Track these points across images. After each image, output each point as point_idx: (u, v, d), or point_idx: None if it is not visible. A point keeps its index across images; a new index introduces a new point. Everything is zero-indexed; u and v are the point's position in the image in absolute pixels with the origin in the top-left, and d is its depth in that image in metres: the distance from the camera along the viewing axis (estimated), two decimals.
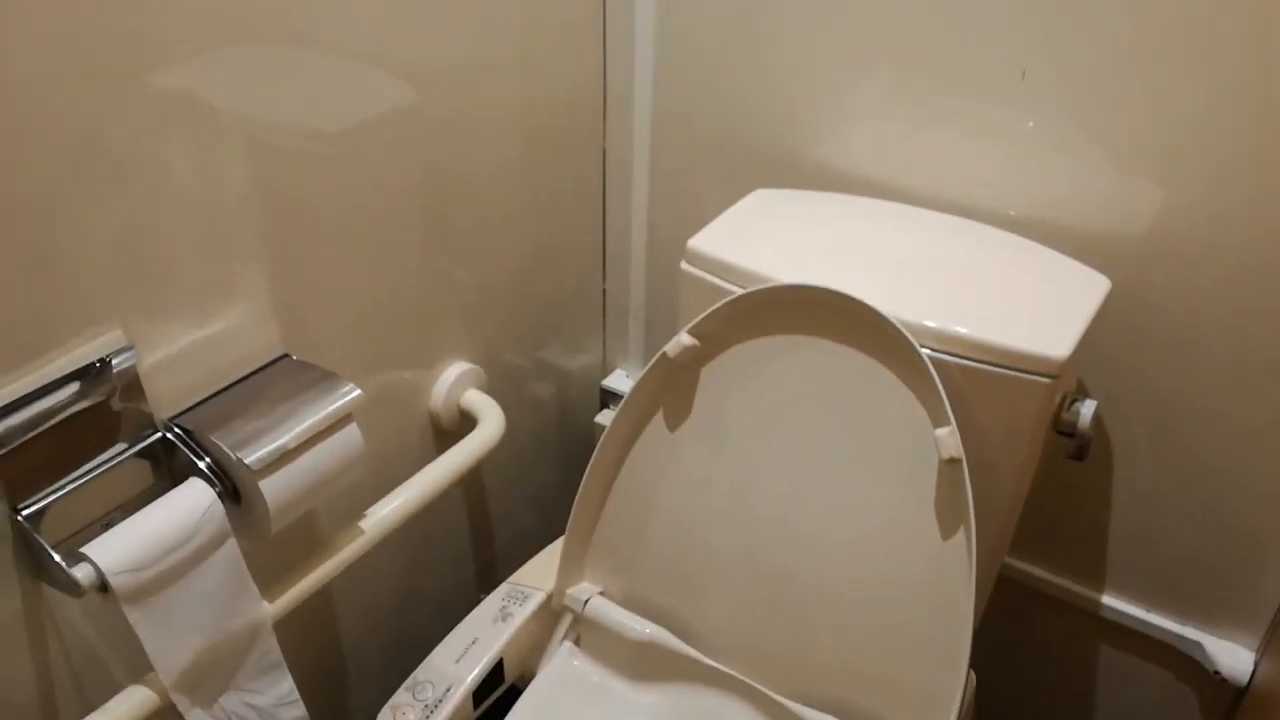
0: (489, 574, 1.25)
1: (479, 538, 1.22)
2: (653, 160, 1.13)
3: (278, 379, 0.82)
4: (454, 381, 1.04)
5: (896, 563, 0.83)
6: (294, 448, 0.76)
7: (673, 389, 0.89)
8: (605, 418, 1.29)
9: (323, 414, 0.78)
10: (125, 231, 0.69)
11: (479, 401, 1.05)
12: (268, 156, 0.77)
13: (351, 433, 0.81)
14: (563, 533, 0.97)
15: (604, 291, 1.26)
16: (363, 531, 0.89)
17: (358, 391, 0.80)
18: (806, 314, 0.82)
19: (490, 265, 1.05)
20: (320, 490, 0.80)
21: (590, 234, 1.20)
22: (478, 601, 1.01)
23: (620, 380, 1.30)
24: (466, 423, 1.05)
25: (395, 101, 0.87)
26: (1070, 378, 0.82)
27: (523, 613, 0.97)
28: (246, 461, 0.74)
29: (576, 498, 0.94)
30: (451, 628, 0.97)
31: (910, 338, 0.76)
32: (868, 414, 0.81)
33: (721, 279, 0.88)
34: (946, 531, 0.79)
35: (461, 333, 1.05)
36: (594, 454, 0.92)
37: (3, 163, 0.61)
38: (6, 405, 0.66)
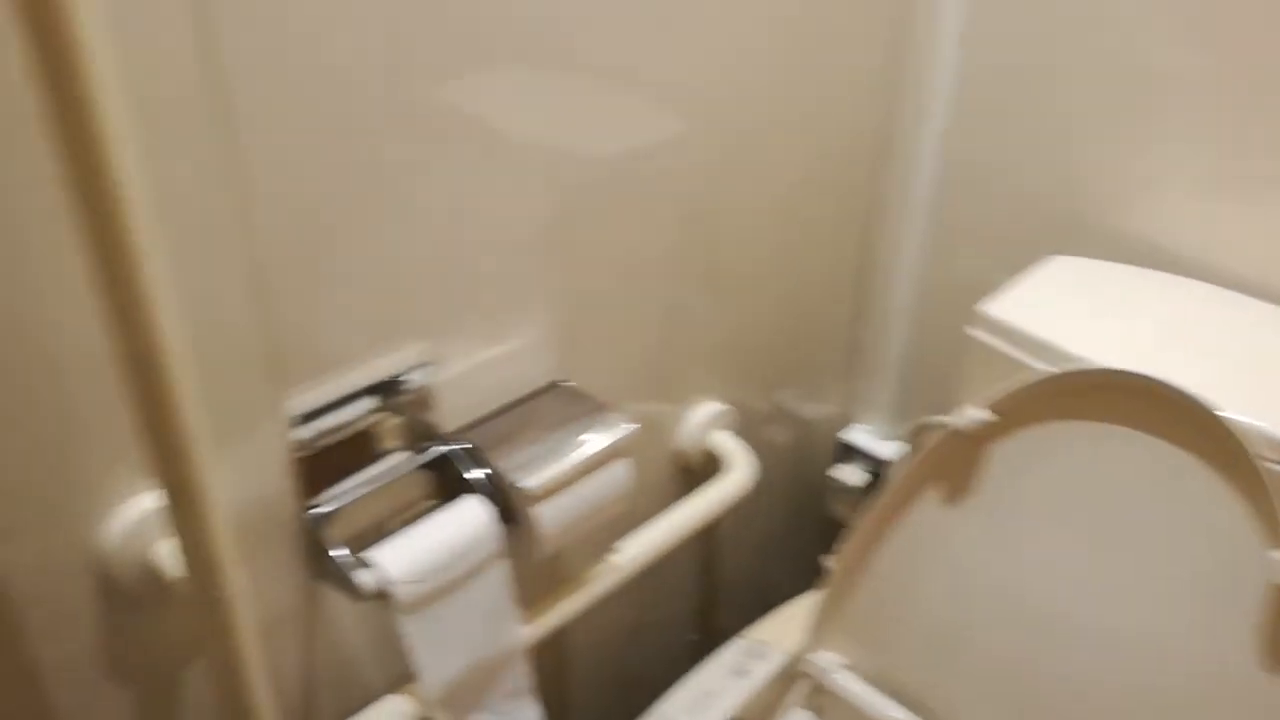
0: (707, 619, 1.22)
1: (704, 581, 1.19)
2: (931, 212, 1.08)
3: (551, 405, 0.82)
4: (704, 421, 1.02)
5: (1199, 695, 0.74)
6: (569, 477, 0.76)
7: (954, 463, 0.83)
8: (842, 472, 1.24)
9: (601, 447, 0.77)
10: (437, 250, 0.70)
11: (729, 444, 1.02)
12: (557, 182, 0.77)
13: (624, 467, 0.80)
14: (785, 587, 0.92)
15: (853, 343, 1.21)
16: (614, 566, 0.87)
17: (635, 426, 0.79)
18: (1122, 402, 0.75)
19: (744, 305, 1.03)
20: (587, 521, 0.79)
21: (842, 283, 1.16)
22: (691, 645, 0.97)
23: (860, 434, 1.24)
24: (710, 464, 1.03)
25: (667, 131, 0.85)
26: None
27: (762, 671, 0.93)
28: (522, 486, 0.73)
29: (834, 561, 0.90)
30: (668, 670, 0.95)
31: (1247, 442, 0.69)
32: (1182, 522, 0.73)
33: (1018, 350, 0.82)
34: (1269, 664, 0.70)
35: (710, 372, 1.03)
36: (861, 519, 0.88)
37: (331, 183, 0.63)
38: (315, 410, 0.68)
